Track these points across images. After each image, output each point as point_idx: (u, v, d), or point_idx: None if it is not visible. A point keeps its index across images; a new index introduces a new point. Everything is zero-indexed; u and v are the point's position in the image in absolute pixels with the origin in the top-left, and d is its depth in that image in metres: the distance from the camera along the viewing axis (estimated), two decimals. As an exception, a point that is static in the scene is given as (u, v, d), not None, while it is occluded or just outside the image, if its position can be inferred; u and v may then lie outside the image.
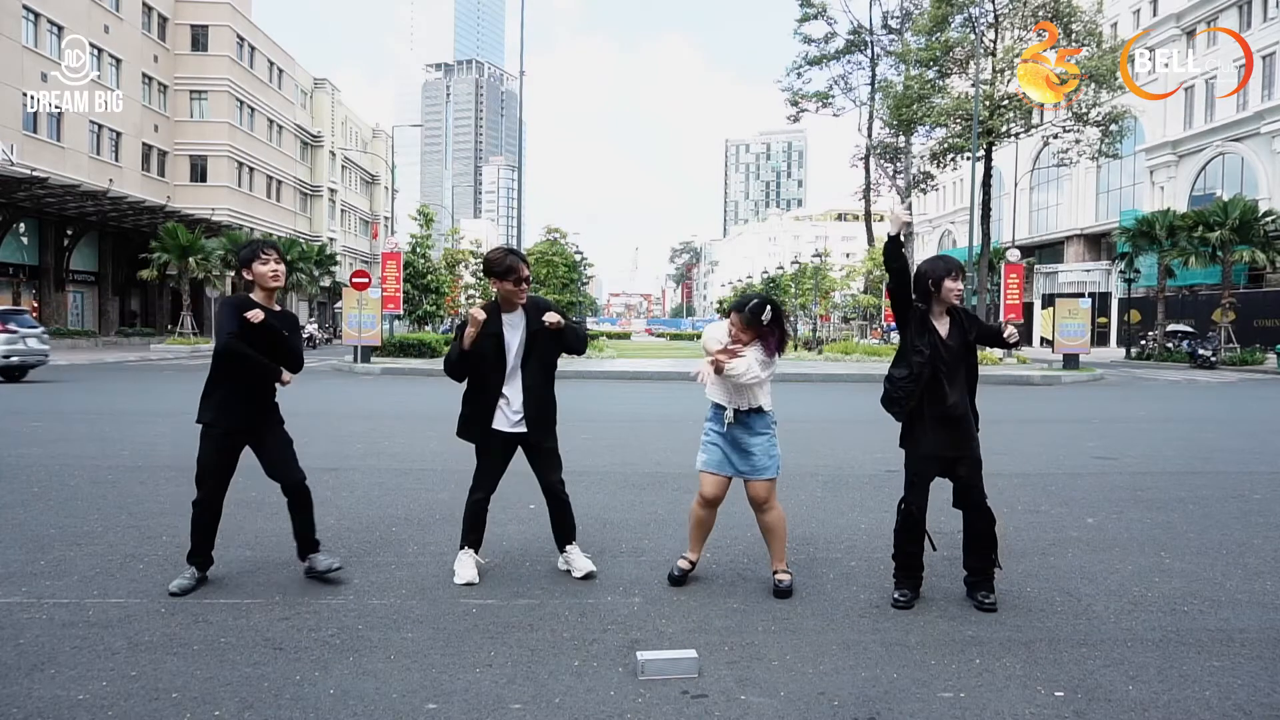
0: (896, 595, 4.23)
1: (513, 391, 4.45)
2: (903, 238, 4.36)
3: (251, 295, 4.38)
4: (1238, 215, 31.06)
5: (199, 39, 48.61)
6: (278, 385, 4.43)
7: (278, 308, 4.50)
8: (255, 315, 4.16)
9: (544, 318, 4.35)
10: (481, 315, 4.33)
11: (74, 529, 5.44)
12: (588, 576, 4.52)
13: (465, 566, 4.48)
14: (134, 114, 42.63)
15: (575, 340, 4.50)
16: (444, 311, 46.17)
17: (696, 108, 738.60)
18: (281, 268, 4.41)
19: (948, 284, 4.18)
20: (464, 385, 4.54)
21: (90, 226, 39.32)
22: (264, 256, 4.33)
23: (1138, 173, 47.22)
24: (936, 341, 4.18)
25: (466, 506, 4.55)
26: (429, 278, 43.50)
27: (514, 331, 4.43)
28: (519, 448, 4.55)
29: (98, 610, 3.96)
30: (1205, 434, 11.57)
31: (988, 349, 31.53)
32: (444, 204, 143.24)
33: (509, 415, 4.46)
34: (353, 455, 8.62)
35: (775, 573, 4.42)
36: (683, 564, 4.53)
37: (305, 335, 45.13)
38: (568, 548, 4.63)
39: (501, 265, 4.34)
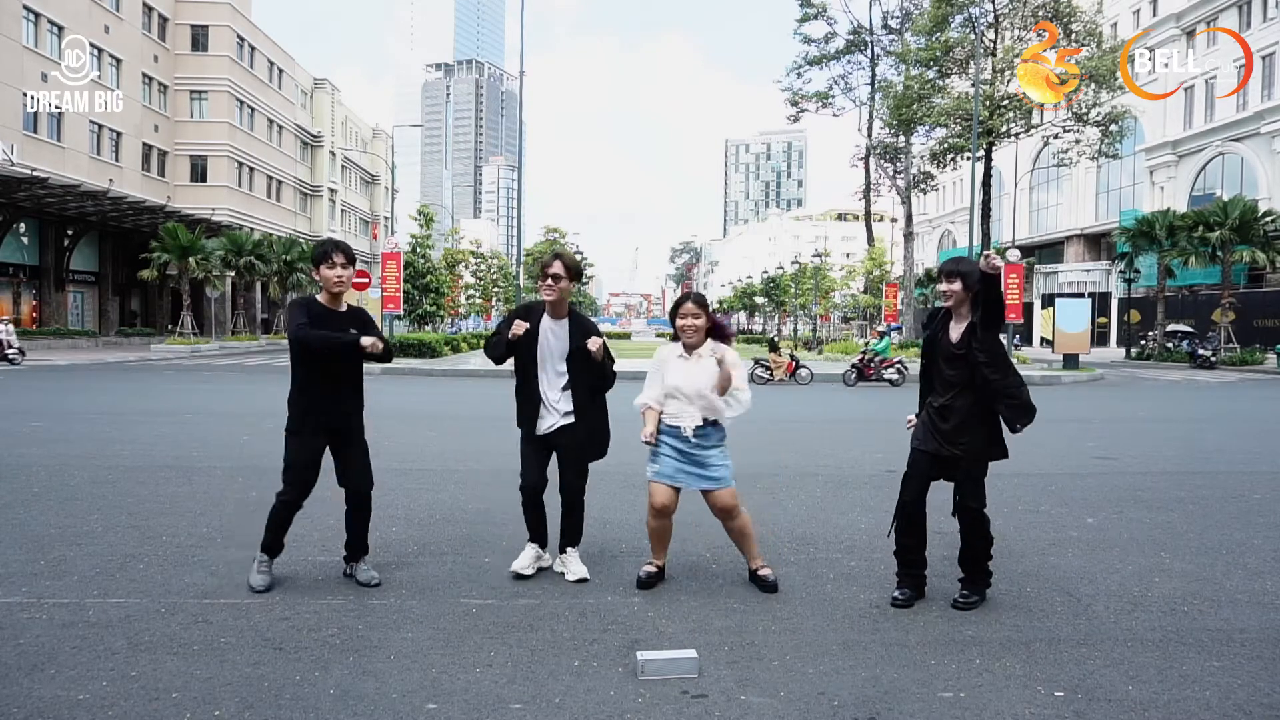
0: (896, 594, 4.24)
1: (550, 395, 4.48)
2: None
3: (318, 297, 4.39)
4: (1238, 215, 31.06)
5: (199, 39, 48.58)
6: (363, 378, 4.42)
7: (345, 308, 4.45)
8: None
9: (588, 340, 4.41)
10: (523, 326, 4.39)
11: (74, 529, 5.44)
12: (580, 582, 4.52)
13: (522, 556, 4.58)
14: (134, 114, 42.62)
15: (605, 374, 4.53)
16: (444, 311, 46.17)
17: (696, 108, 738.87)
18: (348, 273, 4.34)
19: (941, 286, 4.24)
20: (502, 391, 4.61)
21: (90, 226, 39.32)
22: (332, 260, 4.28)
23: (1138, 173, 47.21)
24: (942, 341, 4.23)
25: (522, 503, 4.59)
26: (429, 278, 43.52)
27: (548, 335, 4.46)
28: (552, 450, 4.57)
29: (98, 610, 3.96)
30: (1205, 434, 11.57)
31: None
32: (444, 204, 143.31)
33: (548, 419, 4.49)
34: (353, 455, 8.62)
35: (757, 570, 4.46)
36: (650, 568, 4.53)
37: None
38: (569, 550, 4.64)
39: (540, 264, 4.54)
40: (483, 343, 4.61)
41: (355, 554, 4.51)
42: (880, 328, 26.01)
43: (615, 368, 4.64)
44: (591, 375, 4.49)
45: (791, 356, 21.30)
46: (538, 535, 4.61)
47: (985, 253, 4.02)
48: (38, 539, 5.18)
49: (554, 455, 4.56)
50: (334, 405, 4.31)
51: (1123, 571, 4.85)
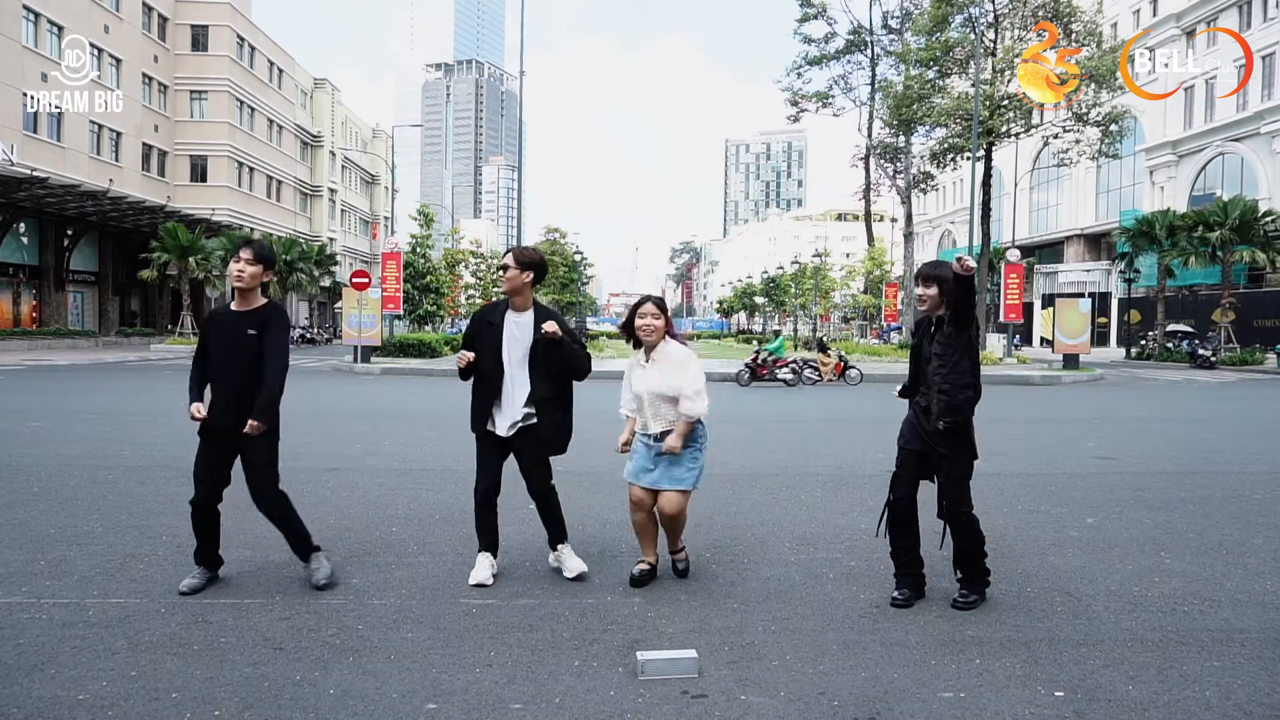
0: (895, 594, 4.25)
1: (511, 394, 4.43)
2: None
3: (231, 304, 4.37)
4: (1238, 215, 31.07)
5: (199, 39, 48.59)
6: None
7: (257, 305, 4.31)
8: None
9: (543, 325, 4.34)
10: (468, 357, 4.39)
11: (74, 529, 5.44)
12: (579, 577, 4.52)
13: (478, 567, 4.51)
14: (134, 114, 42.62)
15: (575, 359, 4.41)
16: (444, 311, 46.15)
17: (696, 108, 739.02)
18: (243, 269, 4.23)
19: (918, 291, 4.23)
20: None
21: (90, 226, 39.32)
22: (237, 255, 4.27)
23: (1138, 173, 47.21)
24: (925, 349, 4.24)
25: (475, 506, 4.55)
26: (429, 278, 43.49)
27: (513, 329, 4.43)
28: (510, 452, 4.53)
29: (98, 610, 3.96)
30: (1205, 434, 11.57)
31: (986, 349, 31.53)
32: (444, 204, 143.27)
33: (503, 419, 4.44)
34: (353, 455, 8.62)
35: (674, 555, 4.62)
36: (643, 566, 4.54)
37: (296, 334, 45.08)
38: (560, 547, 4.64)
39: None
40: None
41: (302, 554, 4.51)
42: (776, 327, 26.07)
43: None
44: (559, 365, 4.41)
45: (841, 357, 21.31)
46: (490, 543, 4.55)
47: (960, 256, 3.98)
48: (38, 539, 5.18)
49: (513, 457, 4.51)
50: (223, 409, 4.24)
51: (1123, 571, 4.85)
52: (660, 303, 4.49)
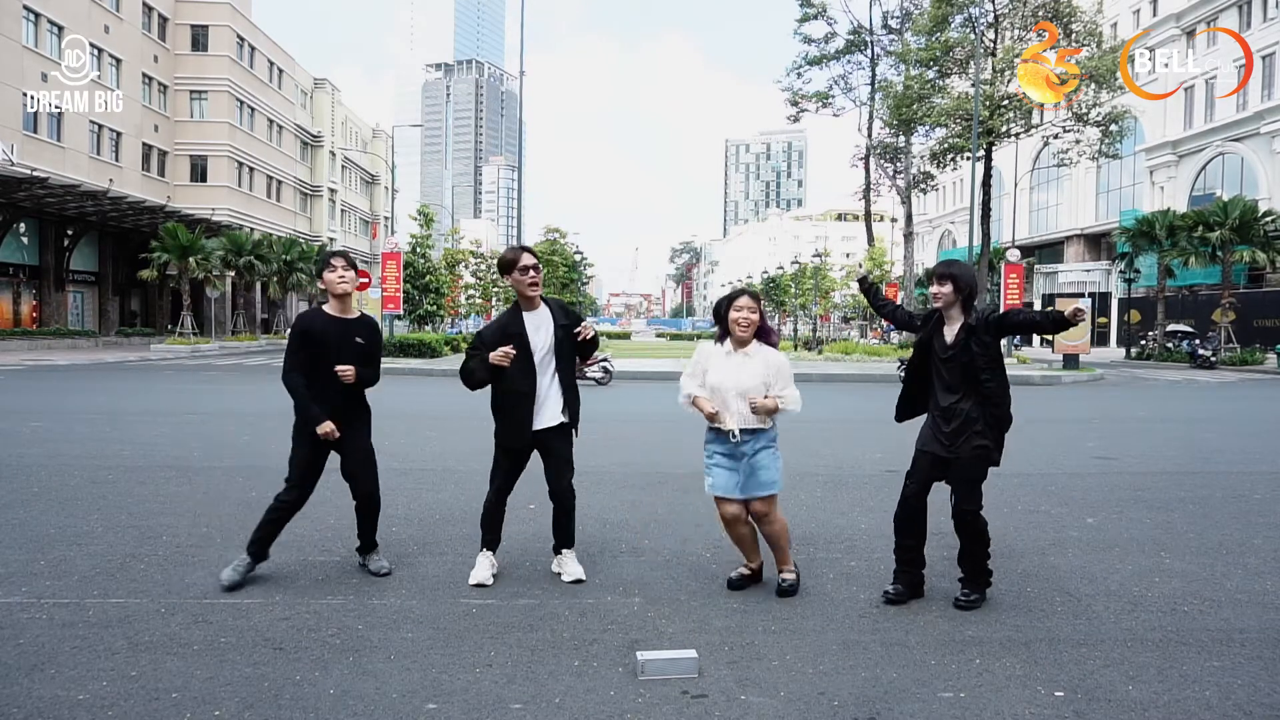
0: (888, 588, 4.26)
1: (547, 393, 4.45)
2: (871, 282, 4.65)
3: (325, 307, 4.52)
4: (1238, 215, 31.05)
5: (199, 39, 48.57)
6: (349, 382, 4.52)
7: (358, 314, 4.59)
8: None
9: (578, 328, 4.43)
10: (510, 354, 4.28)
11: (74, 529, 5.44)
12: (576, 582, 4.51)
13: (479, 567, 4.51)
14: (134, 114, 42.61)
15: (591, 347, 4.58)
16: (444, 311, 46.12)
17: (696, 108, 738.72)
18: (350, 274, 4.50)
19: (933, 289, 4.25)
20: (488, 391, 4.48)
21: (90, 226, 39.31)
22: (332, 264, 4.47)
23: (1138, 173, 47.20)
24: (937, 344, 4.23)
25: (485, 506, 4.56)
26: (429, 278, 43.43)
27: (538, 331, 4.44)
28: (535, 449, 4.55)
29: (98, 610, 3.96)
30: (1205, 434, 11.57)
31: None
32: (444, 204, 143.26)
33: (541, 415, 4.46)
34: (353, 455, 8.61)
35: (781, 572, 4.41)
36: (744, 570, 4.49)
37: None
38: (564, 551, 4.63)
39: (506, 259, 4.46)
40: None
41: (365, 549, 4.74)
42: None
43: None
44: (582, 352, 4.54)
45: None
46: (494, 541, 4.57)
47: (1078, 306, 4.05)
48: (38, 539, 5.18)
49: (541, 457, 4.54)
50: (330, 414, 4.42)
51: (1123, 571, 4.85)
52: (756, 296, 4.29)
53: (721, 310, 4.29)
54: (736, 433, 4.14)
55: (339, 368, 4.32)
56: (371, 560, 4.66)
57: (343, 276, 4.44)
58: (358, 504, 4.63)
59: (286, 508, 4.44)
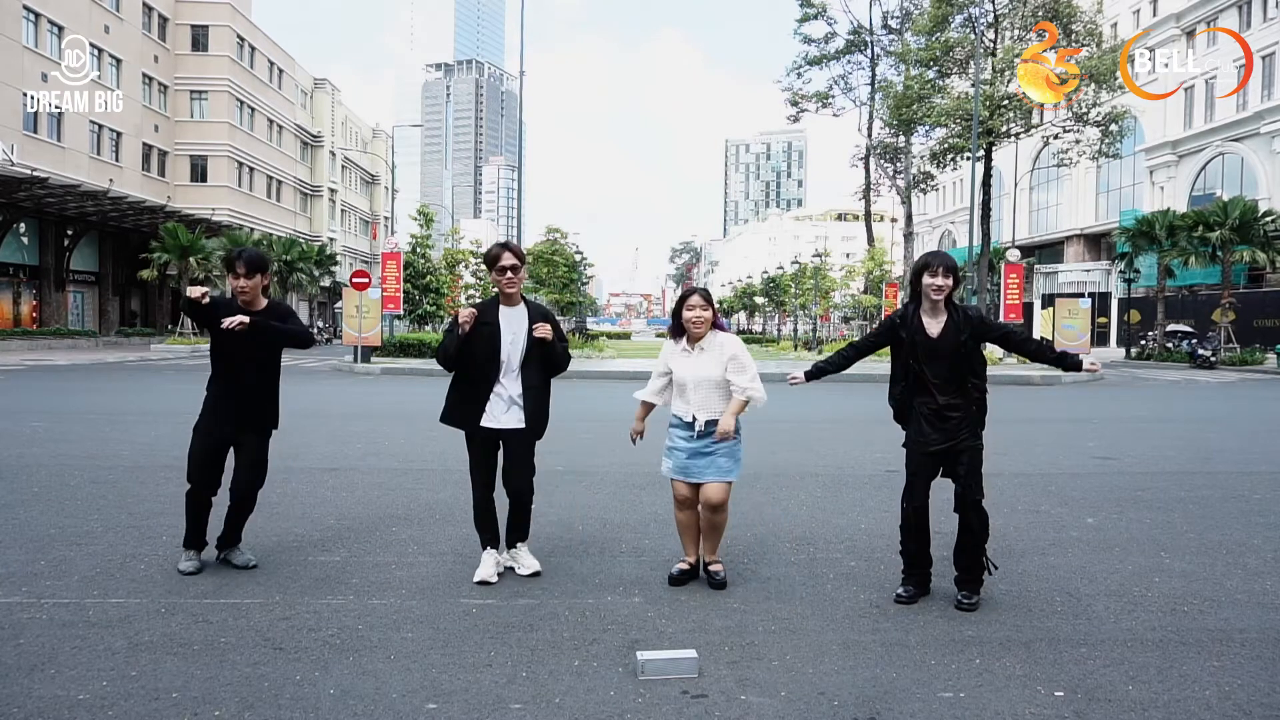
0: (900, 590, 4.27)
1: (507, 389, 4.47)
2: (818, 367, 4.59)
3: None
4: (1238, 215, 31.04)
5: (199, 39, 48.58)
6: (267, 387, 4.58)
7: (263, 303, 4.65)
8: (232, 322, 4.35)
9: (535, 326, 4.44)
10: (469, 313, 4.40)
11: (74, 529, 5.44)
12: (534, 575, 4.55)
13: (484, 565, 4.53)
14: (134, 114, 42.61)
15: (559, 359, 4.58)
16: (444, 311, 46.11)
17: (696, 108, 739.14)
18: (251, 282, 4.54)
19: (925, 279, 4.19)
20: (453, 375, 4.57)
21: (90, 226, 39.31)
22: (235, 271, 4.53)
23: (1138, 173, 47.19)
24: (920, 340, 4.20)
25: (474, 507, 4.58)
26: (429, 278, 43.43)
27: (509, 327, 4.47)
28: (500, 445, 4.57)
29: (98, 610, 3.96)
30: (1205, 434, 11.57)
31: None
32: (444, 204, 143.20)
33: (498, 412, 4.46)
34: (353, 455, 8.61)
35: (709, 564, 4.51)
36: (682, 565, 4.56)
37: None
38: (519, 545, 4.67)
39: (489, 255, 4.51)
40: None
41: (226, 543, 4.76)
42: None
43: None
44: (545, 359, 4.53)
45: None
46: (494, 539, 4.60)
47: (1094, 363, 4.26)
48: (38, 539, 5.18)
49: (500, 452, 4.56)
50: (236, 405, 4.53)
51: (1123, 571, 4.85)
52: (706, 294, 4.50)
53: (677, 311, 4.50)
54: (701, 424, 4.37)
55: (227, 321, 4.35)
56: (235, 555, 4.70)
57: (243, 286, 4.51)
58: (235, 503, 4.71)
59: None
